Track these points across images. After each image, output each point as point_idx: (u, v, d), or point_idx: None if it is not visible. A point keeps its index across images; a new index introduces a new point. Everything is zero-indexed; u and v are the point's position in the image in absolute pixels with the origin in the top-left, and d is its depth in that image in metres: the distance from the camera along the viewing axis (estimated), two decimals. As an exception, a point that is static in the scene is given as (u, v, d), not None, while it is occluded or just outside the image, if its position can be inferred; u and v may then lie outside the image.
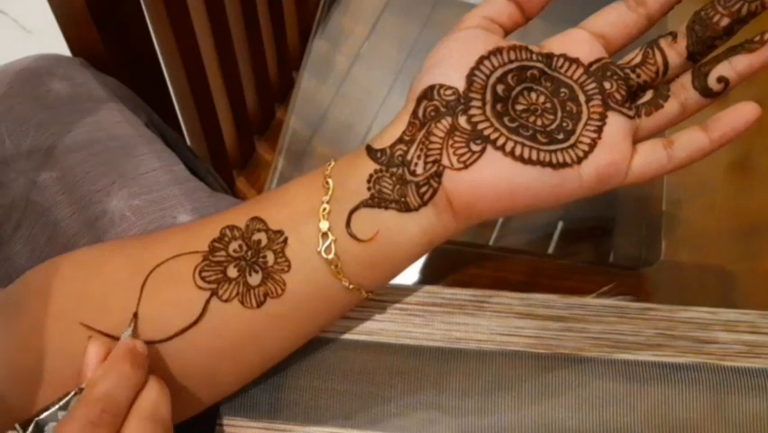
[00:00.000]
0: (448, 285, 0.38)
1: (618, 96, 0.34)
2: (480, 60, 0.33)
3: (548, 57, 0.34)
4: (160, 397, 0.29)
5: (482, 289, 0.38)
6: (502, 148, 0.32)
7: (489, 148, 0.32)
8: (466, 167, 0.32)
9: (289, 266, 0.32)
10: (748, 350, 0.36)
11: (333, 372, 0.36)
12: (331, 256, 0.32)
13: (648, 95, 0.35)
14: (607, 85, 0.34)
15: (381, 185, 0.32)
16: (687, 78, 0.34)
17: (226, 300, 0.32)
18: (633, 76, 0.34)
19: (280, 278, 0.32)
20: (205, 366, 0.33)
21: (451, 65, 0.33)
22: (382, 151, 0.33)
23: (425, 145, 0.32)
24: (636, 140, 0.34)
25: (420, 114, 0.33)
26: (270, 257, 0.32)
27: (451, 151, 0.32)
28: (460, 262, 0.63)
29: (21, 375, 0.32)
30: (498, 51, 0.34)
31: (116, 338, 0.31)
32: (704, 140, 0.34)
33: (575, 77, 0.34)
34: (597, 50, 0.34)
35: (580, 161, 0.32)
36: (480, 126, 0.32)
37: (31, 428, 0.28)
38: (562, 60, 0.34)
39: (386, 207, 0.32)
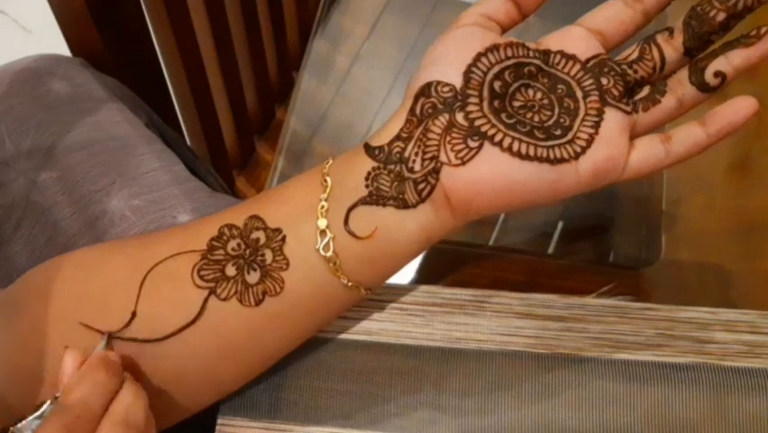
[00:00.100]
0: (448, 285, 0.38)
1: (615, 92, 0.34)
2: (477, 57, 0.33)
3: (545, 53, 0.34)
4: (135, 401, 0.29)
5: (482, 289, 0.38)
6: (500, 144, 0.32)
7: (487, 144, 0.32)
8: (464, 163, 0.32)
9: (288, 264, 0.32)
10: (748, 350, 0.36)
11: (333, 372, 0.36)
12: (329, 254, 0.32)
13: (645, 90, 0.35)
14: (604, 81, 0.34)
15: (379, 182, 0.32)
16: (684, 74, 0.34)
17: (225, 299, 0.32)
18: (630, 72, 0.34)
19: (279, 276, 0.32)
20: (204, 365, 0.33)
21: (448, 62, 0.33)
22: (380, 148, 0.33)
23: (423, 142, 0.32)
24: (634, 135, 0.34)
25: (417, 111, 0.33)
26: (269, 255, 0.32)
27: (448, 147, 0.32)
28: (459, 262, 0.63)
29: (21, 375, 0.32)
30: (495, 48, 0.34)
31: (116, 337, 0.31)
32: (701, 134, 0.34)
33: (572, 73, 0.34)
34: (594, 46, 0.35)
35: (577, 156, 0.32)
36: (478, 123, 0.32)
37: None
38: (559, 57, 0.34)
39: (384, 205, 0.32)
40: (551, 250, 0.65)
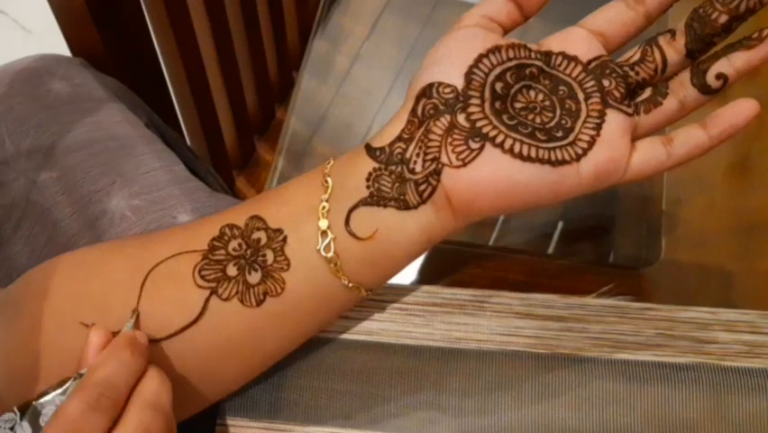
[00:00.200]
0: (448, 285, 0.38)
1: (617, 94, 0.34)
2: (479, 59, 0.33)
3: (547, 55, 0.34)
4: (161, 386, 0.29)
5: (482, 289, 0.38)
6: (501, 145, 0.32)
7: (488, 145, 0.32)
8: (465, 165, 0.32)
9: (289, 265, 0.32)
10: (748, 350, 0.36)
11: (333, 372, 0.36)
12: (330, 255, 0.32)
13: (647, 92, 0.35)
14: (605, 82, 0.34)
15: (380, 183, 0.32)
16: (686, 76, 0.34)
17: (226, 299, 0.32)
18: (632, 73, 0.34)
19: (280, 276, 0.32)
20: (206, 365, 0.33)
21: (450, 63, 0.33)
22: (381, 149, 0.33)
23: (424, 143, 0.32)
24: (635, 137, 0.34)
25: (419, 112, 0.33)
26: (270, 256, 0.32)
27: (450, 148, 0.32)
28: (459, 262, 0.63)
29: (20, 375, 0.32)
30: (496, 49, 0.34)
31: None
32: (703, 137, 0.34)
33: (574, 74, 0.34)
34: (595, 47, 0.35)
35: (578, 158, 0.32)
36: (479, 124, 0.32)
37: (29, 412, 0.28)
38: (560, 58, 0.34)
39: (385, 206, 0.32)
40: (551, 250, 0.65)
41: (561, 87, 0.34)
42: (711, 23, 0.33)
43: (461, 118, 0.33)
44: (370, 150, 0.33)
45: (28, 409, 0.28)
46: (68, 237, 0.43)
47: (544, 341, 0.36)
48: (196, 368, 0.32)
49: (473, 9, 0.35)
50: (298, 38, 0.92)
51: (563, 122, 0.33)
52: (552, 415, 0.35)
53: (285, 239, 0.32)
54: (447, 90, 0.33)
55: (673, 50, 0.34)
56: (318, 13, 0.80)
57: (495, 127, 0.32)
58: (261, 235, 0.32)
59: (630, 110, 0.34)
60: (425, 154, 0.32)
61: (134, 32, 0.56)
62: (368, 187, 0.32)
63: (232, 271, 0.32)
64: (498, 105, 0.33)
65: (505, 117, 0.33)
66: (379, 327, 0.37)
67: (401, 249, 0.33)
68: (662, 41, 0.35)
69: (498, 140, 0.32)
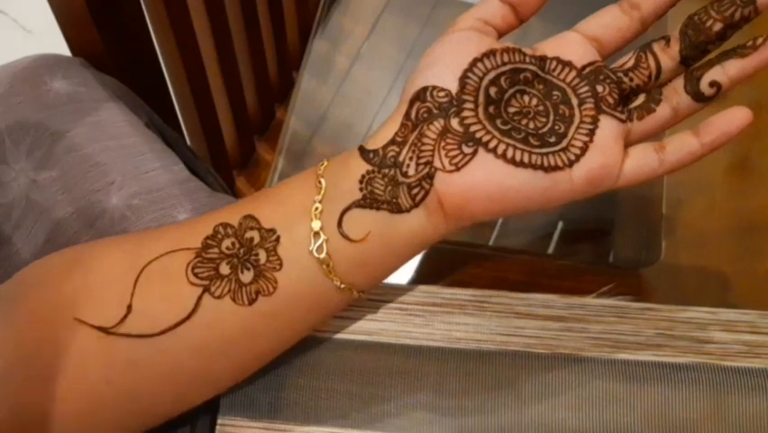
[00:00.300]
0: (448, 285, 0.38)
1: (611, 100, 0.34)
2: (474, 63, 0.33)
3: (541, 60, 0.34)
4: None
5: (482, 289, 0.38)
6: (494, 150, 0.32)
7: (481, 150, 0.32)
8: (458, 169, 0.32)
9: (281, 264, 0.32)
10: (748, 350, 0.36)
11: (333, 372, 0.36)
12: (322, 256, 0.32)
13: (640, 99, 0.35)
14: (599, 88, 0.34)
15: (373, 186, 0.32)
16: (679, 83, 0.34)
17: (218, 297, 0.32)
18: (625, 79, 0.34)
19: (272, 276, 0.32)
20: (198, 362, 0.33)
21: (444, 67, 0.33)
22: (375, 152, 0.33)
23: (418, 147, 0.32)
24: (628, 143, 0.34)
25: (413, 115, 0.33)
26: (263, 255, 0.32)
27: (443, 153, 0.32)
28: (459, 262, 0.63)
29: (16, 369, 0.32)
30: (491, 54, 0.34)
31: (112, 333, 0.31)
32: (695, 144, 0.34)
33: (568, 80, 0.34)
34: (590, 53, 0.35)
35: (571, 164, 0.33)
36: (473, 129, 0.32)
37: None
38: (554, 63, 0.34)
39: (378, 208, 0.32)
40: (551, 250, 0.65)
41: (554, 93, 0.34)
42: (706, 30, 0.34)
43: (454, 122, 0.33)
44: (363, 152, 0.33)
45: None
46: (68, 237, 0.44)
47: (544, 341, 0.36)
48: (188, 365, 0.33)
49: (468, 12, 0.35)
50: (298, 38, 0.92)
51: (557, 127, 0.33)
52: (552, 415, 0.35)
53: (278, 239, 0.32)
54: (441, 94, 0.33)
55: (668, 56, 0.34)
56: (318, 13, 0.80)
57: (488, 132, 0.32)
58: (255, 235, 0.33)
59: (623, 116, 0.34)
60: (419, 158, 0.32)
61: (134, 32, 0.56)
62: (361, 189, 0.32)
63: (224, 269, 0.32)
64: (491, 109, 0.33)
65: (498, 122, 0.33)
66: (378, 327, 0.37)
67: (393, 251, 0.33)
68: (656, 47, 0.35)
69: (492, 145, 0.32)
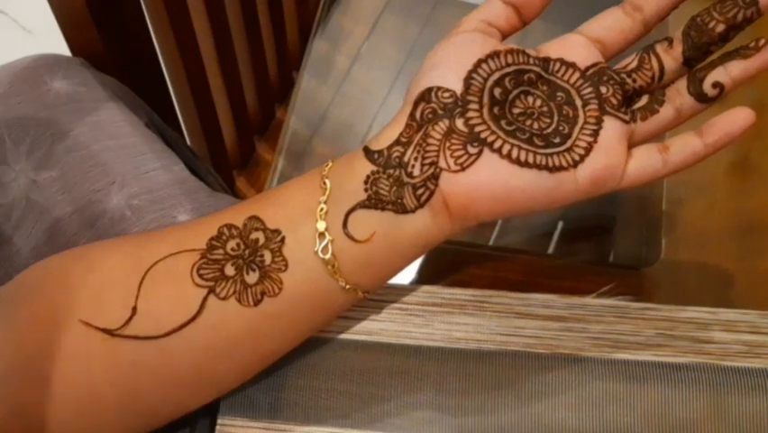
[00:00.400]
0: (448, 285, 0.38)
1: (614, 101, 0.34)
2: (478, 64, 0.33)
3: (545, 61, 0.35)
4: None
5: (482, 289, 0.38)
6: (499, 151, 0.32)
7: (486, 151, 0.32)
8: (463, 169, 0.32)
9: (286, 265, 0.32)
10: (748, 350, 0.36)
11: (333, 372, 0.36)
12: (328, 256, 0.32)
13: (644, 99, 0.35)
14: (603, 89, 0.34)
15: (378, 186, 0.32)
16: (682, 84, 0.35)
17: (224, 298, 0.32)
18: (629, 81, 0.34)
19: (277, 277, 0.32)
20: (203, 363, 0.33)
21: (448, 68, 0.33)
22: (379, 152, 0.33)
23: (423, 147, 0.32)
24: (632, 144, 0.34)
25: (417, 116, 0.33)
26: (268, 256, 0.32)
27: (448, 153, 0.32)
28: (459, 262, 0.63)
29: (17, 370, 0.32)
30: (495, 55, 0.34)
31: (117, 334, 0.31)
32: (699, 145, 0.34)
33: (572, 81, 0.34)
34: (593, 54, 0.35)
35: (576, 164, 0.33)
36: (477, 129, 0.32)
37: None
38: (558, 65, 0.35)
39: (382, 209, 0.32)
40: (551, 250, 0.65)
41: (558, 94, 0.34)
42: (708, 31, 0.34)
43: (459, 123, 0.33)
44: (368, 153, 0.33)
45: None
46: (68, 237, 0.44)
47: (544, 341, 0.36)
48: (193, 366, 0.33)
49: (472, 14, 0.35)
50: (298, 38, 0.92)
51: (561, 128, 0.33)
52: (551, 415, 0.35)
53: (283, 240, 0.32)
54: (446, 95, 0.33)
55: (671, 57, 0.35)
56: (318, 13, 0.80)
57: (493, 132, 0.32)
58: (260, 236, 0.33)
59: (627, 117, 0.34)
60: (424, 158, 0.32)
61: (134, 32, 0.56)
62: (366, 190, 0.32)
63: (230, 270, 0.32)
64: (496, 110, 0.33)
65: (503, 123, 0.33)
66: (379, 327, 0.37)
67: (398, 252, 0.33)
68: (659, 48, 0.35)
69: (496, 145, 0.32)
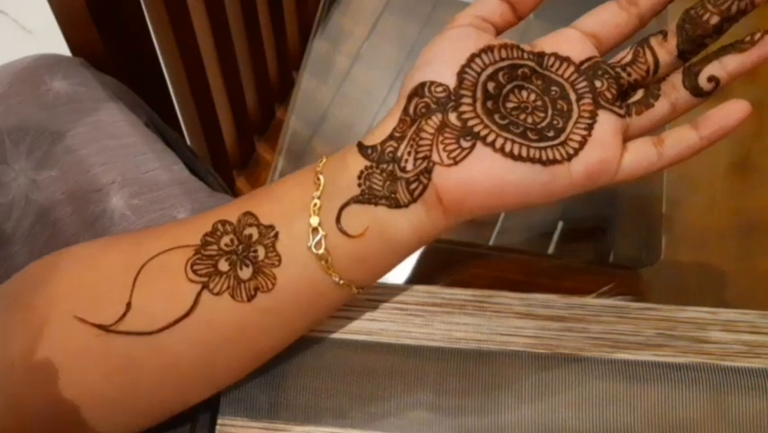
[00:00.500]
0: (448, 285, 0.38)
1: (609, 95, 0.34)
2: (472, 58, 0.33)
3: (539, 55, 0.35)
4: None
5: (482, 289, 0.38)
6: (492, 144, 0.32)
7: (479, 145, 0.32)
8: (456, 163, 0.32)
9: (280, 261, 0.32)
10: (748, 350, 0.36)
11: (333, 372, 0.36)
12: (321, 252, 0.32)
13: (639, 94, 0.35)
14: (597, 83, 0.34)
15: (372, 181, 0.32)
16: (678, 78, 0.34)
17: (217, 293, 0.32)
18: (623, 74, 0.34)
19: (271, 272, 0.32)
20: (197, 359, 0.33)
21: (442, 62, 0.33)
22: (373, 147, 0.33)
23: (416, 142, 0.32)
24: (627, 138, 0.34)
25: (411, 110, 0.33)
26: (261, 252, 0.32)
27: (441, 147, 0.32)
28: (459, 262, 0.63)
29: (15, 367, 0.32)
30: (489, 49, 0.34)
31: (112, 330, 0.31)
32: (694, 137, 0.34)
33: (566, 75, 0.34)
34: (588, 49, 0.35)
35: (570, 157, 0.33)
36: (471, 123, 0.32)
37: None
38: (553, 59, 0.35)
39: (376, 204, 0.32)
40: (551, 250, 0.65)
41: (553, 88, 0.34)
42: (703, 24, 0.34)
43: (452, 117, 0.33)
44: (361, 148, 0.33)
45: None
46: (68, 236, 0.44)
47: (544, 341, 0.36)
48: (187, 362, 0.33)
49: (466, 9, 0.35)
50: (298, 38, 0.92)
51: (555, 122, 0.33)
52: (552, 415, 0.35)
53: (276, 235, 0.32)
54: (439, 89, 0.33)
55: (665, 51, 0.35)
56: (318, 13, 0.80)
57: (486, 126, 0.32)
58: (253, 231, 0.33)
59: (622, 111, 0.34)
60: (417, 153, 0.32)
61: (134, 32, 0.56)
62: (359, 185, 0.32)
63: (223, 266, 0.32)
64: (489, 104, 0.33)
65: (496, 117, 0.33)
66: (378, 327, 0.37)
67: (392, 247, 0.33)
68: (653, 42, 0.35)
69: (490, 139, 0.32)
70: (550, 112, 0.34)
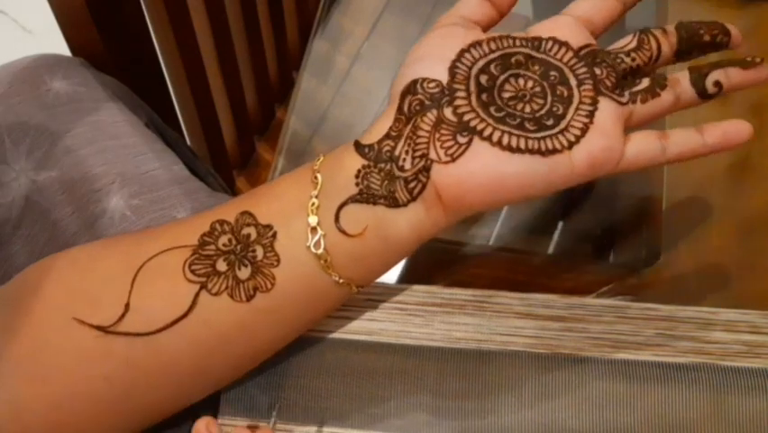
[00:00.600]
0: (448, 285, 0.38)
1: (608, 83, 0.34)
2: (461, 53, 0.33)
3: (536, 40, 0.35)
4: None
5: (482, 289, 0.38)
6: (489, 138, 0.32)
7: (476, 139, 0.32)
8: (454, 160, 0.32)
9: (278, 261, 0.32)
10: (748, 350, 0.36)
11: (333, 372, 0.36)
12: (320, 251, 0.32)
13: (645, 82, 0.35)
14: (597, 71, 0.34)
15: (370, 180, 0.32)
16: (683, 75, 0.35)
17: (216, 294, 0.32)
18: (627, 60, 0.35)
19: (269, 272, 0.32)
20: (196, 359, 0.33)
21: (433, 59, 0.34)
22: (370, 146, 0.33)
23: (413, 140, 0.32)
24: (629, 126, 0.34)
25: (405, 108, 0.33)
26: (260, 251, 0.32)
27: (438, 144, 0.32)
28: (460, 262, 0.63)
29: (16, 370, 0.32)
30: (478, 44, 0.34)
31: (110, 331, 0.31)
32: (699, 141, 0.34)
33: (565, 60, 0.34)
34: (584, 36, 0.35)
35: (570, 145, 0.32)
36: (466, 117, 0.32)
37: None
38: (551, 43, 0.34)
39: (374, 203, 0.32)
40: (551, 250, 0.65)
41: (552, 73, 0.34)
42: (697, 34, 0.35)
43: (447, 112, 0.32)
44: (358, 147, 0.33)
45: None
46: (68, 237, 0.44)
47: (544, 341, 0.36)
48: (186, 362, 0.33)
49: (450, 11, 0.36)
50: (298, 38, 0.92)
51: (555, 108, 0.33)
52: (552, 415, 0.35)
53: (275, 235, 0.32)
54: (432, 85, 0.33)
55: (667, 43, 0.35)
56: (318, 13, 0.80)
57: (482, 120, 0.32)
58: (251, 231, 0.32)
59: (623, 99, 0.34)
60: (414, 151, 0.32)
61: (134, 32, 0.56)
62: (357, 184, 0.32)
63: (221, 266, 0.32)
64: (484, 97, 0.33)
65: (492, 109, 0.33)
66: (378, 327, 0.37)
67: (392, 246, 0.33)
68: (656, 32, 0.35)
69: (486, 132, 0.32)
70: (549, 98, 0.33)
